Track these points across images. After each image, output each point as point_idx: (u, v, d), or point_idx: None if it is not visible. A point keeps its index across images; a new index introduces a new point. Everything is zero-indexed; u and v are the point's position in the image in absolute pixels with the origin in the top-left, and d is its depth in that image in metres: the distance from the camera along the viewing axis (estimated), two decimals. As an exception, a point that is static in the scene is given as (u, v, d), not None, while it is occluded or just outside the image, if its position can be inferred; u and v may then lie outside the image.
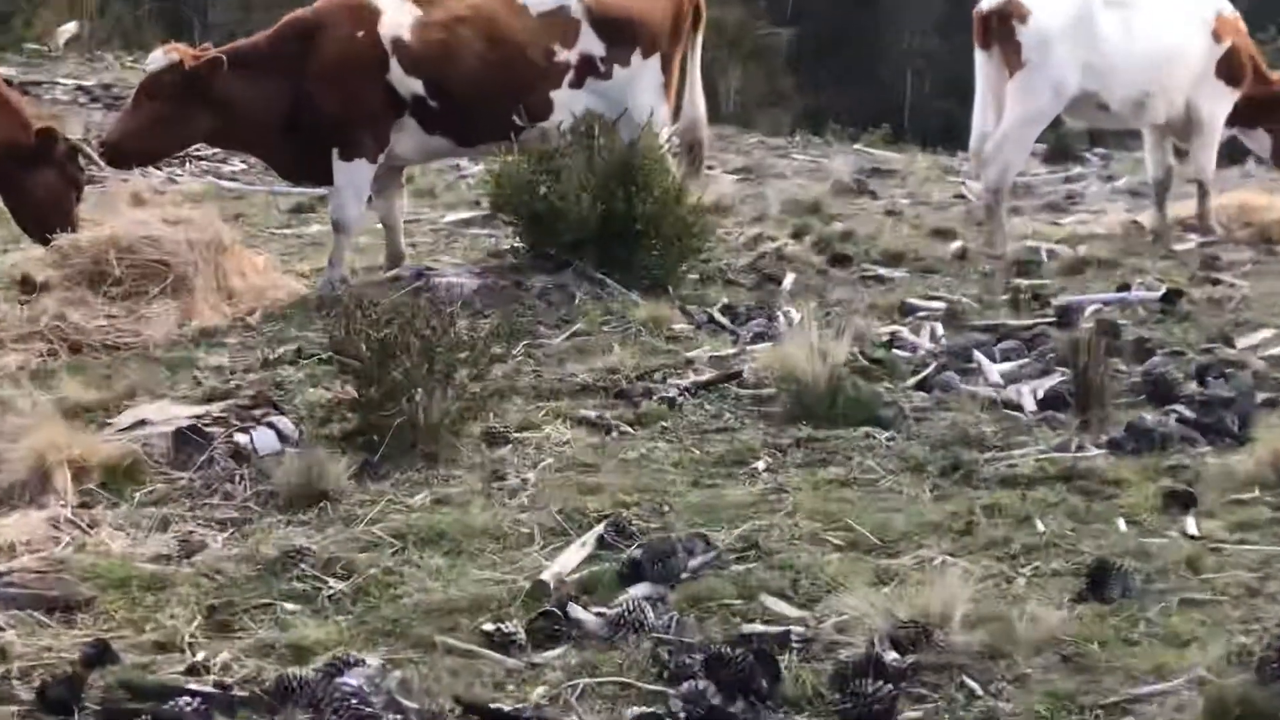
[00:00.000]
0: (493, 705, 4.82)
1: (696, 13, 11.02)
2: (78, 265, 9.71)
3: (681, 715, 4.70)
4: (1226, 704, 4.51)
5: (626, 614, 5.47)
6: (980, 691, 4.90)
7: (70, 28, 29.83)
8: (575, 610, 5.53)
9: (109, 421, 7.59)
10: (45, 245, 10.25)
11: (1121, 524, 6.22)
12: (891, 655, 5.01)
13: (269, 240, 12.85)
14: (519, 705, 4.84)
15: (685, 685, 4.83)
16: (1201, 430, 7.23)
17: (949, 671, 5.01)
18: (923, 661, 5.04)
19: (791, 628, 5.33)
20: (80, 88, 23.53)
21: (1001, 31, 11.18)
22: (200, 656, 5.29)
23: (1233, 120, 11.78)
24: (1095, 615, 5.38)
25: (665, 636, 5.31)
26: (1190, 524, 6.18)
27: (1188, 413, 7.43)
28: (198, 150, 19.02)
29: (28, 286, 9.75)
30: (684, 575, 5.80)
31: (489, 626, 5.45)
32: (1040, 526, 6.21)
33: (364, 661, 5.11)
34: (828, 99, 38.01)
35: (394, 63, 10.23)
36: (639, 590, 5.70)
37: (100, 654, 5.26)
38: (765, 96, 35.07)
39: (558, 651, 5.30)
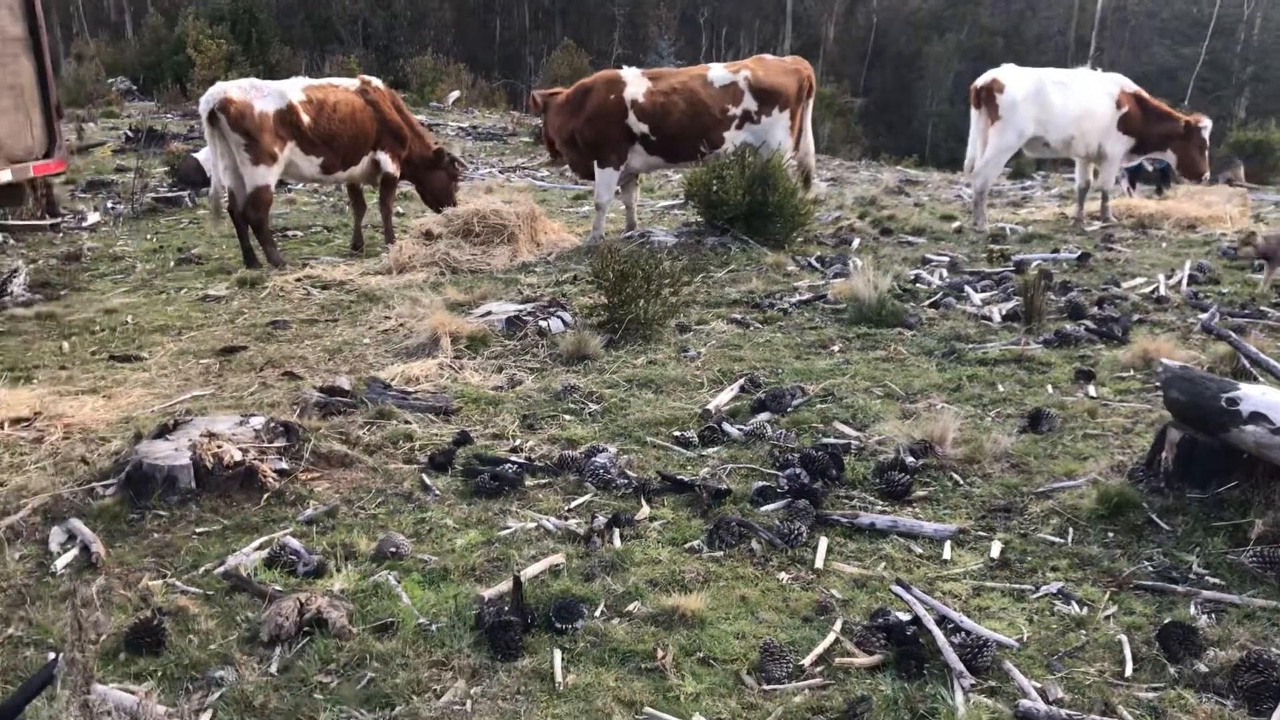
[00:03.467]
0: (678, 476, 4.82)
1: (811, 86, 10.80)
2: (456, 224, 9.86)
3: (785, 487, 4.65)
4: (1109, 494, 4.35)
5: (755, 429, 5.43)
6: (961, 482, 4.78)
7: (455, 93, 30.44)
8: (726, 426, 5.49)
9: (471, 311, 7.67)
10: (438, 213, 10.39)
11: (1049, 389, 5.98)
12: (909, 459, 4.90)
13: (562, 214, 12.84)
14: (693, 477, 4.84)
15: (788, 471, 4.78)
16: (1099, 336, 6.92)
17: (944, 470, 4.89)
18: (928, 464, 4.93)
19: (851, 441, 5.23)
20: (460, 128, 23.88)
21: (987, 97, 10.83)
22: (518, 442, 5.37)
23: (1150, 149, 11.20)
24: (1032, 441, 5.20)
25: (778, 443, 5.26)
26: (1090, 390, 5.93)
27: (1091, 325, 7.11)
28: (522, 162, 19.42)
29: (429, 236, 9.88)
30: (789, 408, 5.71)
31: (677, 433, 5.44)
32: (1000, 388, 6.00)
33: (607, 449, 5.14)
34: (881, 139, 37.16)
35: (631, 114, 10.12)
36: (763, 416, 5.64)
37: (463, 439, 5.36)
38: (844, 136, 34.25)
39: (715, 449, 5.28)
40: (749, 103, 10.39)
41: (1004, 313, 7.51)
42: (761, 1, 56.44)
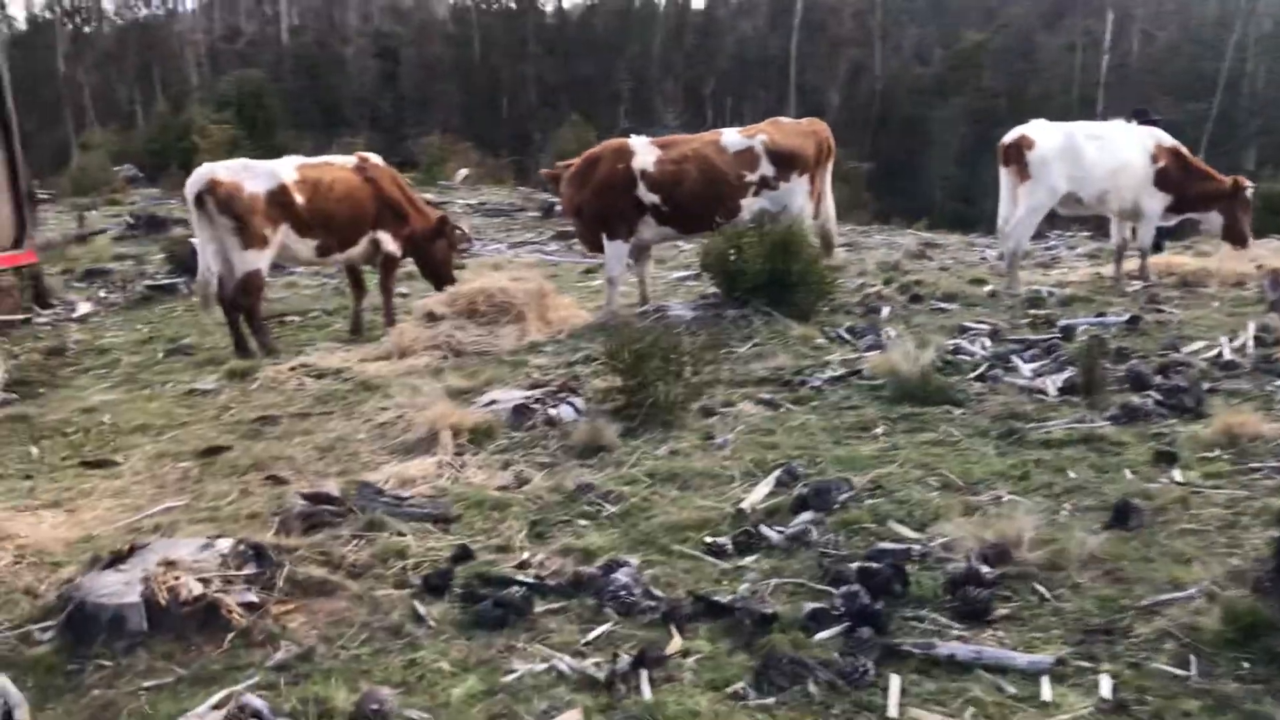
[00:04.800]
0: (714, 597, 4.09)
1: (830, 148, 10.24)
2: (460, 304, 9.21)
3: (842, 608, 3.92)
4: (1237, 612, 3.59)
5: (799, 533, 4.70)
6: (1048, 595, 4.04)
7: (464, 171, 30.33)
8: (764, 529, 4.77)
9: (474, 400, 6.98)
10: (440, 290, 9.79)
11: (1128, 474, 5.25)
12: (985, 568, 4.16)
13: (572, 289, 12.20)
14: (731, 597, 4.12)
15: (843, 588, 4.05)
16: (1170, 408, 6.19)
17: (1025, 580, 4.14)
18: (1006, 573, 4.18)
19: (911, 546, 4.49)
20: (468, 205, 23.55)
21: (1015, 155, 10.24)
22: (525, 556, 4.65)
23: (1188, 208, 10.59)
24: (1120, 539, 4.45)
25: (827, 550, 4.53)
26: (1176, 474, 5.19)
27: (1159, 396, 6.38)
28: (531, 237, 18.92)
29: (432, 317, 9.23)
30: (835, 506, 4.97)
31: (708, 539, 4.72)
32: (1072, 475, 5.27)
33: (629, 563, 4.42)
34: (890, 204, 36.73)
35: (640, 184, 9.54)
36: (805, 516, 4.91)
37: (463, 554, 4.65)
38: (854, 201, 33.77)
39: (753, 558, 4.55)
40: (766, 168, 9.79)
41: (1059, 385, 6.78)
42: (765, 73, 56.61)
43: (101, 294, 12.68)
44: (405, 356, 8.61)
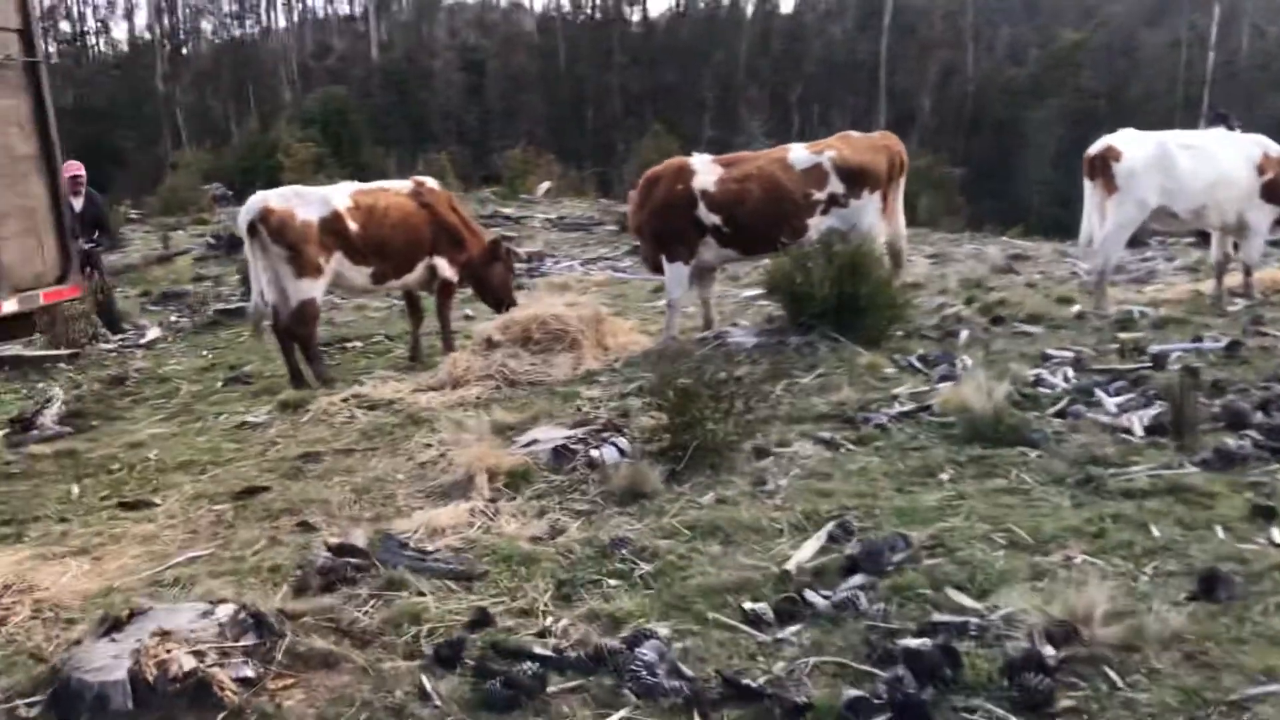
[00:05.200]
0: (743, 681, 3.71)
1: (902, 164, 9.74)
2: (514, 332, 8.95)
3: (884, 698, 3.51)
4: (1344, 721, 3.11)
5: (847, 599, 4.30)
6: (1121, 684, 3.57)
7: (545, 184, 30.27)
8: (809, 594, 4.37)
9: (515, 439, 6.69)
10: (500, 312, 9.56)
11: (1219, 531, 4.72)
12: (1048, 650, 3.70)
13: (638, 309, 11.92)
14: (765, 679, 3.74)
15: (888, 672, 3.64)
16: (1271, 451, 5.62)
17: (1095, 664, 3.68)
18: (1072, 655, 3.72)
19: (969, 619, 4.04)
20: (547, 219, 23.45)
21: (1102, 167, 9.62)
22: (548, 621, 4.32)
23: None
24: (1208, 614, 3.96)
25: (875, 621, 4.12)
26: (1275, 533, 4.65)
27: (1259, 437, 5.81)
28: (605, 252, 18.66)
29: (491, 344, 8.99)
30: (888, 568, 4.55)
31: (748, 604, 4.34)
32: (1155, 532, 4.75)
33: (656, 634, 4.07)
34: (984, 209, 35.74)
35: (701, 204, 9.19)
36: (855, 579, 4.49)
37: (481, 619, 4.34)
38: (945, 208, 32.90)
39: (795, 628, 4.15)
40: (835, 185, 9.35)
41: (1146, 423, 6.23)
42: (853, 77, 55.71)
43: (173, 318, 12.77)
44: (458, 387, 8.38)
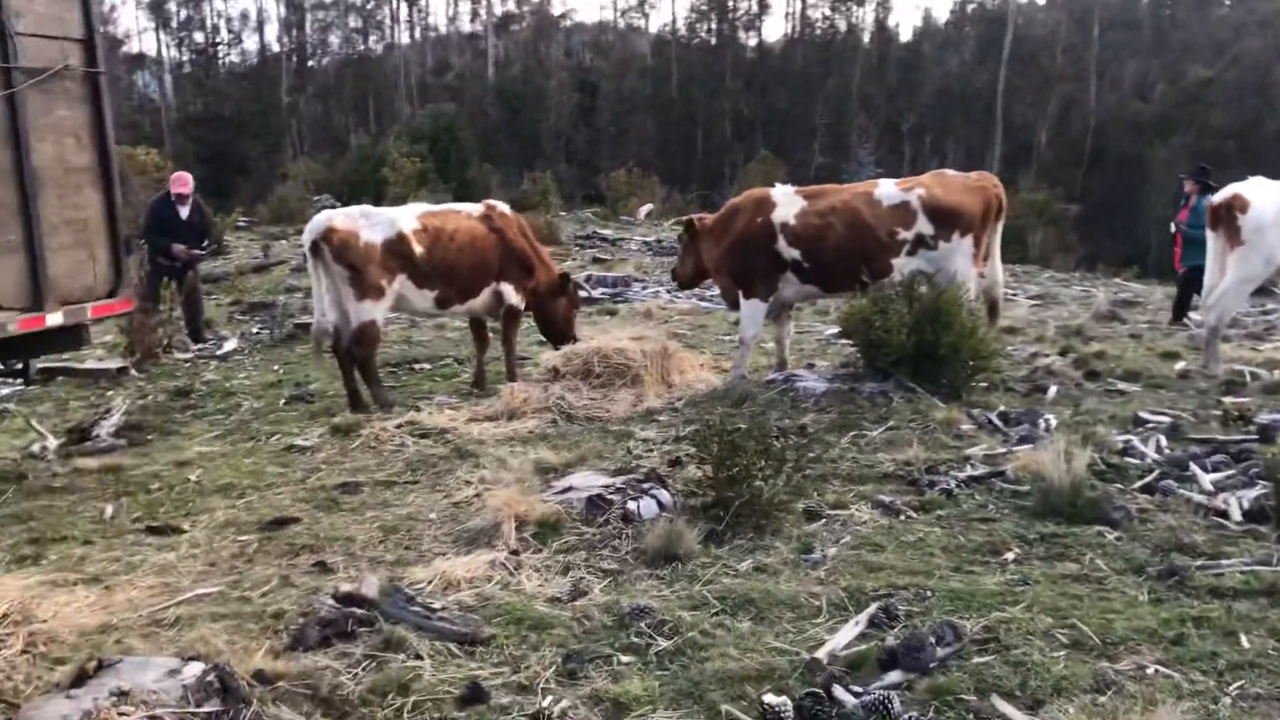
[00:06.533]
0: (742, 799, 3.26)
1: (1001, 207, 9.14)
2: (575, 364, 8.61)
3: (899, 838, 3.01)
4: None
5: (879, 702, 3.79)
6: (1185, 844, 3.01)
7: (648, 207, 30.07)
8: (838, 690, 3.87)
9: (553, 483, 6.31)
10: (556, 349, 9.24)
11: (1322, 648, 4.07)
12: (1101, 793, 3.16)
13: (715, 342, 11.48)
14: (768, 796, 3.27)
15: (907, 806, 3.14)
16: (1391, 551, 4.92)
17: (1156, 814, 3.12)
18: (1131, 800, 3.17)
19: (1014, 739, 3.51)
20: (644, 242, 23.24)
21: (1227, 217, 8.86)
22: (546, 702, 3.90)
23: None
24: (1300, 757, 3.35)
25: (904, 733, 3.61)
26: (1390, 656, 3.98)
27: (1377, 533, 5.11)
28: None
29: (556, 374, 8.68)
30: (931, 665, 4.02)
31: (768, 697, 3.85)
32: (1245, 643, 4.12)
33: (658, 730, 3.63)
34: (1099, 248, 34.42)
35: (781, 239, 8.73)
36: (892, 676, 3.98)
37: (473, 696, 3.95)
38: (1058, 245, 31.73)
39: (816, 733, 3.67)
40: (923, 225, 8.79)
41: (1245, 506, 5.54)
42: (969, 108, 54.39)
43: (254, 329, 12.76)
44: (513, 418, 8.08)
